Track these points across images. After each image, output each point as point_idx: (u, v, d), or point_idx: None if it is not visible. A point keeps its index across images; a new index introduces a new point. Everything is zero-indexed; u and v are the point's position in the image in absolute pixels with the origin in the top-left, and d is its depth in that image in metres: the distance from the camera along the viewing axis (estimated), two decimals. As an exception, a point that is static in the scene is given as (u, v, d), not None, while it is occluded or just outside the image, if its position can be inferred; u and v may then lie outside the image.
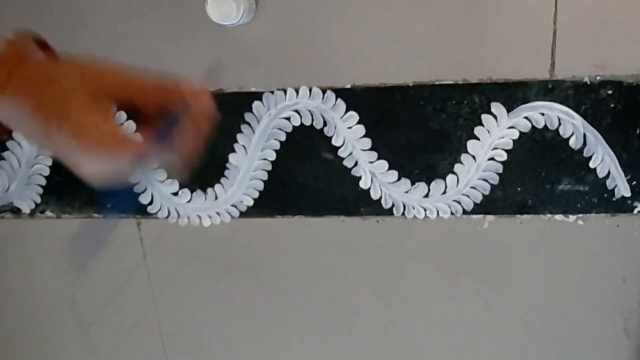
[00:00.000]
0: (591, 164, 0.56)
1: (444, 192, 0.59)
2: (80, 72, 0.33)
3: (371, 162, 0.59)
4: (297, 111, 0.59)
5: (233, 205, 0.63)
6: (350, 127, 0.58)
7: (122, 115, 0.36)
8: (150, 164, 0.34)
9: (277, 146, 0.60)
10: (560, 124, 0.55)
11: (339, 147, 0.59)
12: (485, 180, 0.58)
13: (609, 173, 0.56)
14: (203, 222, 0.64)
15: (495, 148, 0.57)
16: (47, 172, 0.65)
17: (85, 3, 0.59)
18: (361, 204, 0.61)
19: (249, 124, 0.60)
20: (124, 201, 0.36)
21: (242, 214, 0.63)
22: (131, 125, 0.35)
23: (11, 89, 0.31)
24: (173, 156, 0.35)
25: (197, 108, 0.35)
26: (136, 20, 0.59)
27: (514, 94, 0.55)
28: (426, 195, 0.59)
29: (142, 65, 0.59)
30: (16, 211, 0.67)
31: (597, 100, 0.54)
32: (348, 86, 0.58)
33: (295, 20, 0.58)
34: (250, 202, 0.63)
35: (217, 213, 0.64)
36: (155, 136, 0.34)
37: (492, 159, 0.57)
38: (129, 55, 0.59)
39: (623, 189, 0.56)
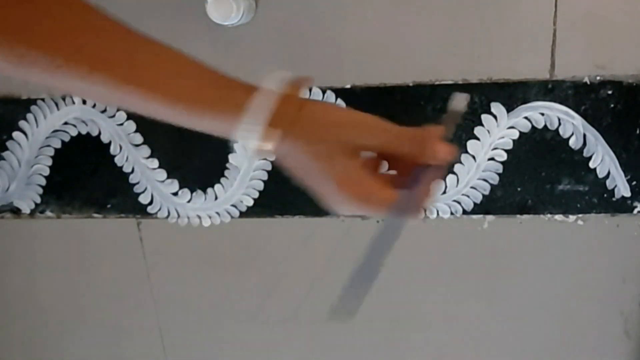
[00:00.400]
0: (591, 164, 0.56)
1: (444, 192, 0.59)
2: (341, 119, 0.36)
3: (371, 162, 0.59)
4: (297, 111, 0.59)
5: (233, 205, 0.63)
6: (350, 127, 0.58)
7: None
8: (397, 213, 0.37)
9: (277, 146, 0.60)
10: (560, 124, 0.55)
11: (339, 147, 0.59)
12: (485, 180, 0.58)
13: (608, 173, 0.56)
14: (203, 222, 0.64)
15: (495, 148, 0.57)
16: (47, 172, 0.65)
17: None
18: (361, 204, 0.60)
19: (249, 124, 0.60)
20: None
21: (242, 214, 0.63)
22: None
23: (296, 131, 0.34)
24: (416, 206, 0.37)
25: (438, 159, 0.37)
26: (136, 20, 0.59)
27: (514, 94, 0.55)
28: (426, 195, 0.59)
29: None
30: (16, 211, 0.67)
31: (597, 100, 0.54)
32: (348, 86, 0.58)
33: (295, 20, 0.58)
34: (250, 202, 0.63)
35: (217, 213, 0.64)
36: (407, 190, 0.36)
37: (492, 159, 0.57)
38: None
39: (623, 189, 0.56)
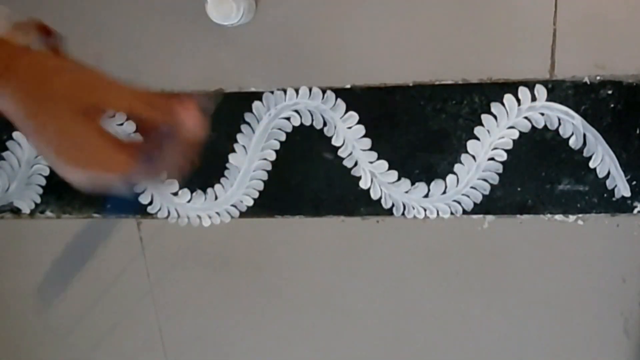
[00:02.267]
0: (591, 164, 0.56)
1: (444, 192, 0.59)
2: (77, 77, 0.32)
3: (371, 162, 0.59)
4: (297, 111, 0.59)
5: (233, 205, 0.63)
6: (350, 127, 0.58)
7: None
8: (135, 180, 0.34)
9: (277, 146, 0.60)
10: (560, 124, 0.55)
11: (338, 147, 0.59)
12: (485, 180, 0.58)
13: (608, 173, 0.56)
14: (203, 222, 0.64)
15: (495, 148, 0.57)
16: (47, 172, 0.65)
17: (85, 3, 0.59)
18: (361, 204, 0.61)
19: (248, 124, 0.60)
20: (122, 202, 0.36)
21: (242, 214, 0.63)
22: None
23: (6, 78, 0.30)
24: (156, 173, 0.34)
25: (187, 128, 0.34)
26: (136, 20, 0.59)
27: (514, 94, 0.55)
28: (426, 195, 0.59)
29: (141, 65, 0.60)
30: (16, 211, 0.67)
31: (597, 100, 0.54)
32: (348, 86, 0.58)
33: (295, 20, 0.58)
34: (250, 202, 0.63)
35: (217, 213, 0.64)
36: (143, 156, 0.33)
37: (492, 159, 0.57)
38: (128, 55, 0.59)
39: (623, 189, 0.56)
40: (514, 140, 0.56)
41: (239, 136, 0.61)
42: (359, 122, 0.58)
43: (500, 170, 0.57)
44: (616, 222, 0.57)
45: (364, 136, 0.58)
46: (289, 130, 0.60)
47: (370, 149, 0.59)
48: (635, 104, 0.53)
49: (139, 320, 0.71)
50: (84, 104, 0.32)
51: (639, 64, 0.53)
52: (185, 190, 0.63)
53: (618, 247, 0.58)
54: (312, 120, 0.59)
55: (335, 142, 0.59)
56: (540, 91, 0.55)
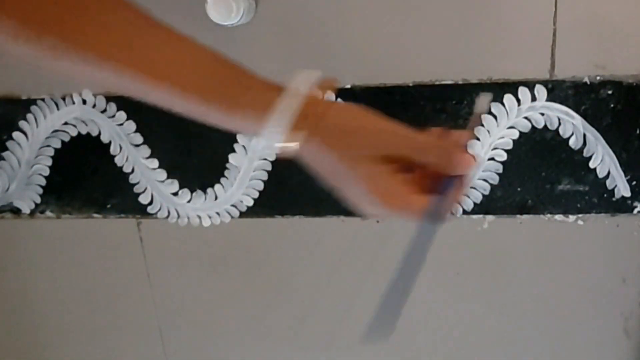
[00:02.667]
0: (591, 164, 0.56)
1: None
2: (374, 128, 0.36)
3: (371, 162, 0.59)
4: (297, 111, 0.59)
5: (233, 205, 0.63)
6: (350, 127, 0.58)
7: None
8: (427, 220, 0.39)
9: (277, 146, 0.60)
10: (560, 124, 0.55)
11: (339, 147, 0.59)
12: (485, 180, 0.58)
13: (608, 173, 0.56)
14: (203, 222, 0.65)
15: (495, 148, 0.57)
16: (47, 172, 0.65)
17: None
18: (361, 204, 0.61)
19: (249, 124, 0.60)
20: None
21: (242, 214, 0.63)
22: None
23: (316, 131, 0.34)
24: (444, 210, 0.38)
25: (464, 171, 0.37)
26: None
27: (514, 94, 0.55)
28: (426, 195, 0.59)
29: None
30: (16, 211, 0.67)
31: (597, 100, 0.54)
32: (348, 86, 0.58)
33: (295, 21, 0.58)
34: (250, 202, 0.63)
35: (217, 213, 0.64)
36: (436, 196, 0.37)
37: (492, 159, 0.57)
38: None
39: (623, 189, 0.56)
40: (514, 140, 0.56)
41: (239, 136, 0.61)
42: (359, 122, 0.58)
43: (500, 170, 0.57)
44: (616, 222, 0.57)
45: (364, 136, 0.58)
46: (289, 130, 0.60)
47: (370, 149, 0.59)
48: (635, 104, 0.53)
49: (138, 319, 0.71)
50: (383, 152, 0.36)
51: (639, 64, 0.53)
52: (186, 190, 0.63)
53: (618, 247, 0.58)
54: (312, 120, 0.59)
55: (335, 142, 0.59)
56: (540, 91, 0.55)
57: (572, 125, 0.55)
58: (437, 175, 0.37)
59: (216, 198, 0.63)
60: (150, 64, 0.33)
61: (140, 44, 0.33)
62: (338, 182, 0.36)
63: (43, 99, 0.62)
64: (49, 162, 0.65)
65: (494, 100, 0.56)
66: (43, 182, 0.65)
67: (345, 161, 0.35)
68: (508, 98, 0.55)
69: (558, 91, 0.54)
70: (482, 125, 0.56)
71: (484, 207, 0.59)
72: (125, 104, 0.61)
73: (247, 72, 0.35)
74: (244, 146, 0.61)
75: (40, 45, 0.31)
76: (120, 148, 0.63)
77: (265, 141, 0.34)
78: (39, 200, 0.66)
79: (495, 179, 0.58)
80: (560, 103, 0.55)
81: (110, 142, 0.63)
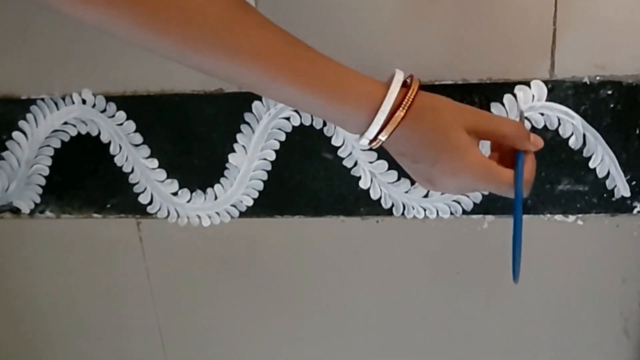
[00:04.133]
0: (591, 164, 0.56)
1: (443, 192, 0.59)
2: (455, 107, 0.41)
3: (371, 162, 0.59)
4: (296, 111, 0.59)
5: (233, 205, 0.63)
6: (350, 127, 0.59)
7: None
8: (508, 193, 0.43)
9: (277, 146, 0.61)
10: (559, 124, 0.55)
11: (338, 147, 0.59)
12: (485, 180, 0.58)
13: (608, 173, 0.56)
14: (203, 222, 0.65)
15: (495, 148, 0.57)
16: (46, 172, 0.65)
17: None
18: (361, 203, 0.61)
19: (248, 124, 0.60)
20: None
21: (242, 214, 0.63)
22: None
23: (411, 112, 0.39)
24: (525, 184, 0.43)
25: (535, 145, 0.44)
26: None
27: (513, 94, 0.55)
28: (426, 196, 0.59)
29: (142, 65, 0.59)
30: (16, 211, 0.67)
31: (597, 100, 0.54)
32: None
33: (294, 21, 0.58)
34: (250, 202, 0.63)
35: (217, 213, 0.64)
36: (515, 170, 0.42)
37: (491, 159, 0.57)
38: (130, 55, 0.60)
39: (623, 189, 0.56)
40: (513, 140, 0.56)
41: (238, 136, 0.61)
42: (358, 122, 0.58)
43: (500, 170, 0.57)
44: (616, 222, 0.58)
45: (364, 136, 0.59)
46: (289, 130, 0.60)
47: (370, 149, 0.59)
48: (635, 104, 0.54)
49: (138, 319, 0.71)
50: (464, 124, 0.40)
51: (639, 64, 0.53)
52: (185, 190, 0.64)
53: (618, 247, 0.59)
54: (312, 120, 0.59)
55: (335, 142, 0.59)
56: (540, 91, 0.55)
57: (571, 125, 0.55)
58: (509, 151, 0.43)
59: (216, 198, 0.63)
60: (271, 55, 0.36)
61: (260, 37, 0.37)
62: (430, 160, 0.40)
63: (43, 99, 0.62)
64: (49, 162, 0.65)
65: (494, 100, 0.56)
66: (43, 181, 0.66)
67: (438, 132, 0.39)
68: (508, 98, 0.55)
69: (558, 91, 0.55)
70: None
71: (483, 207, 0.59)
72: (124, 104, 0.61)
73: (343, 66, 0.40)
74: (243, 146, 0.61)
75: (156, 31, 0.34)
76: (120, 148, 0.63)
77: (371, 127, 0.39)
78: (38, 200, 0.66)
79: (495, 179, 0.58)
80: (560, 103, 0.55)
81: (109, 142, 0.63)
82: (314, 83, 0.37)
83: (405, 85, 0.40)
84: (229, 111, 0.60)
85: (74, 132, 0.63)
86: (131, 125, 0.62)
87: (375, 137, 0.39)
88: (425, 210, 0.60)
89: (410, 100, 0.39)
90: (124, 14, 0.32)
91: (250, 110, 0.60)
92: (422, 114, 0.39)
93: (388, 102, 0.38)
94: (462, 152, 0.39)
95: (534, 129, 0.56)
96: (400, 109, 0.38)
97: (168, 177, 0.64)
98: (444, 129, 0.39)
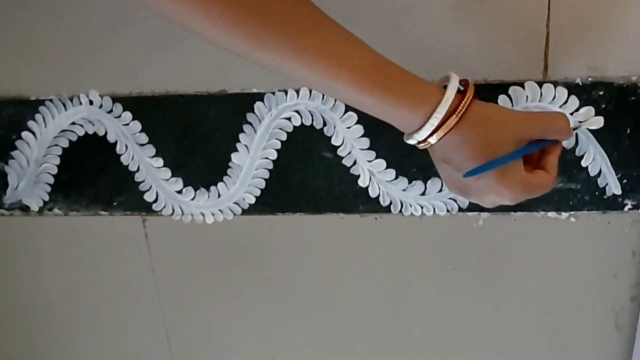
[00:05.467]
0: (583, 163, 0.57)
1: (440, 190, 0.60)
2: (509, 118, 0.41)
3: (369, 161, 0.60)
4: (297, 111, 0.60)
5: (235, 203, 0.64)
6: (349, 127, 0.60)
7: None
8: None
9: (278, 145, 0.61)
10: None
11: (338, 147, 0.60)
12: (480, 178, 0.59)
13: (600, 171, 0.57)
14: (206, 219, 0.66)
15: (490, 147, 0.58)
16: (55, 171, 0.66)
17: (87, 3, 0.60)
18: (360, 201, 0.62)
19: (250, 124, 0.61)
20: None
21: (244, 212, 0.64)
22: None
23: (464, 120, 0.38)
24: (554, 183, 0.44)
25: (565, 137, 0.44)
26: (137, 20, 0.60)
27: (508, 94, 0.56)
28: (423, 193, 0.60)
29: (144, 66, 0.60)
30: (25, 209, 0.69)
31: (589, 101, 0.55)
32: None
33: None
34: (252, 200, 0.64)
35: (220, 210, 0.65)
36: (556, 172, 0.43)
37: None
38: (131, 55, 0.60)
39: (614, 187, 0.57)
40: (508, 140, 0.57)
41: (241, 136, 0.62)
42: (357, 122, 0.59)
43: (495, 169, 0.58)
44: (607, 219, 0.59)
45: (363, 136, 0.60)
46: (290, 130, 0.61)
47: (369, 148, 0.60)
48: (626, 104, 0.55)
49: (144, 315, 0.72)
50: (517, 137, 0.40)
51: (630, 66, 0.54)
52: (189, 188, 0.65)
53: (609, 243, 0.60)
54: (313, 120, 0.60)
55: (334, 141, 0.60)
56: (534, 92, 0.56)
57: (564, 125, 0.56)
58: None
59: (219, 196, 0.64)
60: (334, 56, 0.37)
61: (324, 36, 0.37)
62: (451, 175, 0.40)
63: (51, 100, 0.64)
64: (57, 161, 0.66)
65: (489, 101, 0.57)
66: (51, 180, 0.67)
67: (490, 144, 0.38)
68: (502, 99, 0.56)
69: (551, 92, 0.56)
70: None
71: (479, 205, 0.59)
72: (131, 104, 0.62)
73: (401, 68, 0.40)
74: (246, 145, 0.62)
75: (239, 33, 0.34)
76: (126, 147, 0.64)
77: (422, 130, 0.39)
78: (47, 198, 0.68)
79: (490, 178, 0.59)
80: (553, 104, 0.56)
81: (116, 142, 0.64)
82: (374, 84, 0.37)
83: (459, 91, 0.40)
84: (232, 111, 0.61)
85: (81, 132, 0.64)
86: (137, 125, 0.63)
87: (425, 140, 0.39)
88: (422, 207, 0.61)
89: (465, 107, 0.38)
90: (200, 7, 0.33)
91: (253, 111, 0.61)
92: (474, 123, 0.38)
93: (443, 108, 0.38)
94: (508, 170, 0.39)
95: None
96: (454, 115, 0.38)
97: (173, 176, 0.65)
98: (495, 142, 0.38)
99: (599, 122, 0.53)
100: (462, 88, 0.40)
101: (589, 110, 0.55)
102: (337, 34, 0.38)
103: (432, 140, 0.39)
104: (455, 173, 0.41)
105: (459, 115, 0.38)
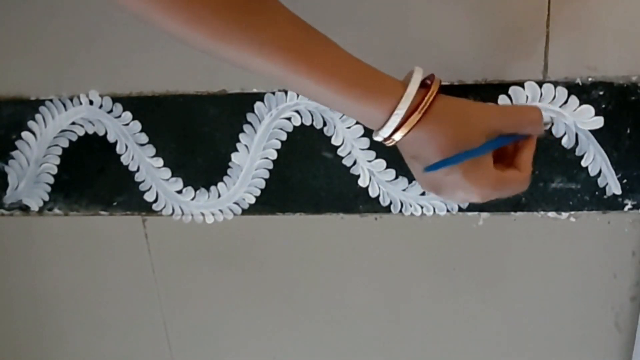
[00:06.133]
0: (583, 163, 0.57)
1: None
2: (478, 111, 0.40)
3: (369, 161, 0.60)
4: (297, 111, 0.60)
5: (235, 203, 0.65)
6: (349, 127, 0.60)
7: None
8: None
9: (278, 145, 0.62)
10: (552, 123, 0.56)
11: (338, 146, 0.61)
12: (480, 178, 0.59)
13: (600, 171, 0.57)
14: (206, 219, 0.66)
15: (490, 147, 0.58)
16: (55, 171, 0.66)
17: (87, 3, 0.60)
18: (360, 201, 0.62)
19: (250, 123, 0.61)
20: None
21: (244, 212, 0.64)
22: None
23: (428, 116, 0.37)
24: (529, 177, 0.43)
25: (537, 131, 0.43)
26: (137, 22, 0.60)
27: (508, 94, 0.56)
28: (423, 193, 0.61)
29: (144, 66, 0.60)
30: (25, 209, 0.69)
31: (589, 100, 0.55)
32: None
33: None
34: (252, 200, 0.64)
35: (220, 210, 0.65)
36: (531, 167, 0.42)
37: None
38: (131, 56, 0.61)
39: (614, 187, 0.57)
40: (508, 140, 0.57)
41: (241, 136, 0.62)
42: (357, 122, 0.60)
43: (495, 169, 0.58)
44: (607, 219, 0.59)
45: (363, 135, 0.60)
46: (290, 130, 0.61)
47: (369, 148, 0.60)
48: (626, 104, 0.55)
49: (144, 315, 0.72)
50: (487, 131, 0.39)
51: (629, 65, 0.54)
52: (189, 188, 0.65)
53: (609, 243, 0.60)
54: (312, 120, 0.60)
55: (334, 141, 0.60)
56: (534, 92, 0.56)
57: (564, 124, 0.56)
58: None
59: (219, 196, 0.65)
60: (294, 49, 0.37)
61: (284, 30, 0.37)
62: (443, 170, 0.39)
63: (51, 100, 0.64)
64: (57, 161, 0.66)
65: (489, 101, 0.57)
66: (51, 180, 0.67)
67: (458, 139, 0.37)
68: (502, 99, 0.56)
69: (551, 92, 0.56)
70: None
71: (478, 205, 0.60)
72: (130, 104, 0.62)
73: (366, 64, 0.39)
74: (246, 145, 0.62)
75: (223, 36, 0.35)
76: (126, 147, 0.64)
77: (385, 128, 0.38)
78: (47, 198, 0.68)
79: (490, 178, 0.59)
80: (553, 103, 0.56)
81: (116, 142, 0.64)
82: (333, 79, 0.37)
83: (424, 86, 0.39)
84: (232, 111, 0.61)
85: (81, 132, 0.65)
86: (137, 125, 0.63)
87: (389, 137, 0.38)
88: (422, 207, 0.61)
89: (428, 103, 0.37)
90: (160, 4, 0.34)
91: (253, 111, 0.61)
92: (440, 118, 0.37)
93: (404, 104, 0.37)
94: (477, 166, 0.38)
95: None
96: (417, 112, 0.37)
97: (173, 176, 0.65)
98: (463, 137, 0.38)
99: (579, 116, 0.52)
100: (428, 82, 0.39)
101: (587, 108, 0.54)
102: (296, 29, 0.38)
103: (397, 137, 0.38)
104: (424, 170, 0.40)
105: (422, 111, 0.37)
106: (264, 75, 0.38)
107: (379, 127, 0.39)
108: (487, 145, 0.39)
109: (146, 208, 0.66)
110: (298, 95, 0.60)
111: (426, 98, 0.37)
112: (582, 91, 0.55)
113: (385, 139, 0.39)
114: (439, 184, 0.40)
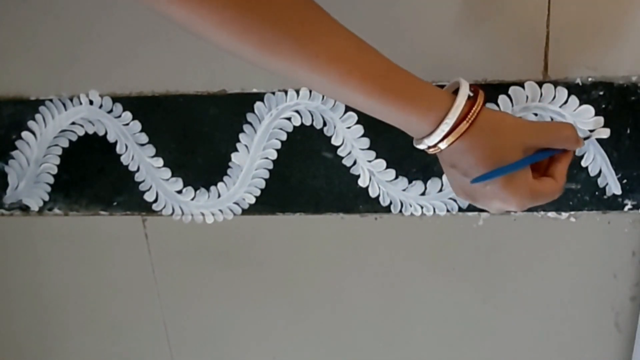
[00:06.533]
0: (583, 163, 0.57)
1: (440, 190, 0.60)
2: (517, 126, 0.41)
3: (369, 161, 0.60)
4: (297, 111, 0.60)
5: (235, 203, 0.65)
6: (349, 127, 0.60)
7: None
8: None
9: (278, 145, 0.62)
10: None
11: (338, 147, 0.61)
12: (480, 178, 0.59)
13: (600, 172, 0.57)
14: (206, 219, 0.66)
15: (490, 147, 0.58)
16: (55, 170, 0.67)
17: (87, 3, 0.60)
18: (360, 201, 0.62)
19: (250, 124, 0.61)
20: None
21: (244, 212, 0.65)
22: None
23: (473, 127, 0.39)
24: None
25: (573, 147, 0.45)
26: (136, 20, 0.60)
27: (508, 94, 0.56)
28: (423, 193, 0.61)
29: (145, 66, 0.60)
30: (25, 209, 0.69)
31: (589, 100, 0.55)
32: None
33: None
34: (252, 200, 0.64)
35: (220, 210, 0.65)
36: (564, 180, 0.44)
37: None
38: (132, 56, 0.61)
39: (614, 187, 0.57)
40: (508, 140, 0.57)
41: (241, 136, 0.62)
42: (357, 122, 0.60)
43: (495, 169, 0.59)
44: (607, 219, 0.59)
45: (363, 136, 0.60)
46: (290, 130, 0.61)
47: (369, 148, 0.60)
48: (626, 104, 0.55)
49: (144, 314, 0.72)
50: (525, 145, 0.40)
51: (630, 66, 0.54)
52: (189, 188, 0.65)
53: (609, 243, 0.60)
54: (313, 120, 0.60)
55: (334, 141, 0.60)
56: (534, 92, 0.56)
57: (564, 125, 0.56)
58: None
59: (219, 196, 0.65)
60: (345, 62, 0.37)
61: (334, 42, 0.37)
62: (461, 180, 0.41)
63: (51, 100, 0.64)
64: (57, 161, 0.66)
65: (489, 101, 0.57)
66: (51, 180, 0.67)
67: (495, 151, 0.39)
68: (502, 99, 0.56)
69: (551, 92, 0.56)
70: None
71: (479, 205, 0.60)
72: (130, 104, 0.63)
73: (411, 74, 0.40)
74: (246, 145, 0.62)
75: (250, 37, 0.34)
76: (126, 147, 0.64)
77: (432, 136, 0.39)
78: (47, 198, 0.68)
79: (490, 178, 0.59)
80: (553, 104, 0.56)
81: (116, 142, 0.64)
82: (383, 90, 0.38)
83: (469, 97, 0.40)
84: (232, 111, 0.61)
85: (81, 132, 0.65)
86: (137, 125, 0.63)
87: (435, 145, 0.40)
88: (422, 207, 0.61)
89: (476, 113, 0.39)
90: (210, 14, 0.33)
91: (253, 111, 0.61)
92: (483, 130, 0.39)
93: (454, 114, 0.38)
94: (516, 178, 0.40)
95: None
96: (465, 121, 0.38)
97: (173, 176, 0.65)
98: (502, 150, 0.39)
99: (607, 132, 0.54)
100: (471, 94, 0.41)
101: (599, 120, 0.55)
102: (347, 40, 0.38)
103: (442, 145, 0.40)
104: (462, 178, 0.41)
105: (470, 121, 0.38)
106: (307, 85, 0.38)
107: (424, 136, 0.40)
108: (527, 159, 0.41)
109: (146, 208, 0.66)
110: (298, 95, 0.60)
111: (474, 109, 0.39)
112: (582, 91, 0.55)
113: (430, 147, 0.41)
114: (476, 194, 0.41)
